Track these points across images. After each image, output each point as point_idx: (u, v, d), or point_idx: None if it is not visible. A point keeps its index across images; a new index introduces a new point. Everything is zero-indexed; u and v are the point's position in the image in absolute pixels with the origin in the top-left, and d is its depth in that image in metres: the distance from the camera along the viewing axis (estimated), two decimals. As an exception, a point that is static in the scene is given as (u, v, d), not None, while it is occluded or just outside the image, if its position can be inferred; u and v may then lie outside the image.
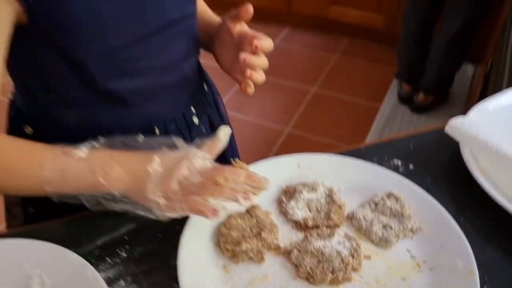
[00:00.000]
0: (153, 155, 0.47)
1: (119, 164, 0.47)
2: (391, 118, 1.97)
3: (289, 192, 0.58)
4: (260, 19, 2.57)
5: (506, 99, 0.67)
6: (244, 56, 0.54)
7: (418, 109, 1.99)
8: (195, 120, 0.66)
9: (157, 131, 0.61)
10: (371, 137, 1.86)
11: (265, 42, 0.54)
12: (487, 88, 1.11)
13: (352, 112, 2.01)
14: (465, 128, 0.59)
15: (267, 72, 0.57)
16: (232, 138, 0.73)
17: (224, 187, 0.46)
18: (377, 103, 2.05)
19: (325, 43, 2.39)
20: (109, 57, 0.54)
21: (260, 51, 0.54)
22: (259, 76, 0.56)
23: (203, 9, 0.69)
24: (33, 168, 0.46)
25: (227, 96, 1.95)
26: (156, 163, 0.47)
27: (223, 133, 0.52)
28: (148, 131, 0.60)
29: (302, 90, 2.10)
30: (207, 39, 0.64)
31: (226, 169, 0.49)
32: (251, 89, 0.57)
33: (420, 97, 1.96)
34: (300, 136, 1.88)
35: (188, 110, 0.65)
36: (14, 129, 0.61)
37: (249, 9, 0.54)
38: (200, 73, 0.69)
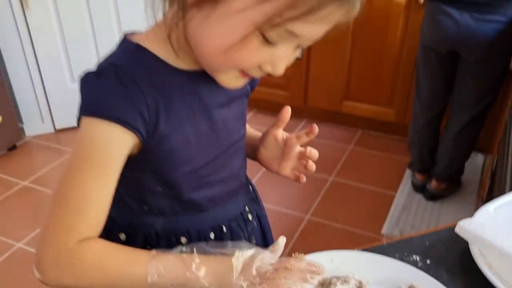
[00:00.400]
0: (235, 251, 0.60)
1: (207, 258, 0.59)
2: (406, 206, 2.06)
3: (325, 284, 0.68)
4: (279, 113, 2.80)
5: (505, 202, 0.79)
6: (310, 149, 0.71)
7: (432, 196, 2.08)
8: (249, 216, 0.79)
9: (224, 229, 0.74)
10: (388, 225, 1.94)
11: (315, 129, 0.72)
12: (494, 186, 1.22)
13: (368, 200, 2.11)
14: (472, 229, 0.70)
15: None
16: (266, 222, 0.87)
17: (294, 270, 0.60)
18: (392, 191, 2.15)
19: (340, 134, 2.57)
20: (192, 175, 0.67)
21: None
22: (314, 166, 0.73)
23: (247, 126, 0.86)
24: (139, 267, 0.57)
25: (251, 185, 2.08)
26: (238, 257, 0.59)
27: (282, 241, 0.65)
28: (217, 229, 0.73)
29: (320, 179, 2.23)
30: (251, 150, 0.80)
31: (291, 259, 0.62)
32: (304, 179, 0.75)
33: (433, 184, 2.06)
34: (320, 223, 1.97)
35: (244, 209, 0.78)
36: (110, 237, 0.70)
37: (289, 109, 0.72)
38: (246, 177, 0.83)
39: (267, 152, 0.77)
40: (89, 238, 0.57)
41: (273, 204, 2.06)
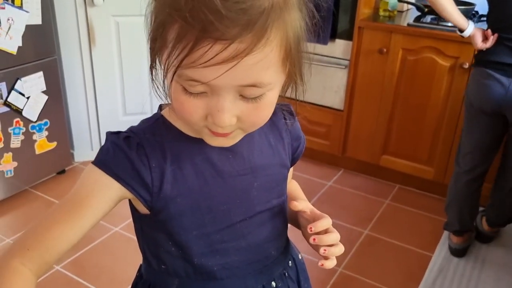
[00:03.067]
0: None
1: None
2: (443, 269, 2.00)
3: None
4: (317, 160, 2.85)
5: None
6: (314, 237, 0.63)
7: (482, 237, 2.12)
8: None
9: None
10: (423, 287, 1.89)
11: (321, 223, 0.63)
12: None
13: (402, 258, 2.07)
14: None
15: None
16: None
17: None
18: (427, 251, 2.11)
19: (377, 188, 2.56)
20: (204, 240, 0.67)
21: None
22: (335, 250, 0.65)
23: (295, 192, 0.82)
24: None
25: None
26: None
27: None
28: None
29: (355, 231, 2.22)
30: (295, 220, 0.73)
31: None
32: (329, 263, 0.66)
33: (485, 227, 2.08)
34: (352, 277, 1.95)
35: (269, 284, 0.73)
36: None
37: (296, 204, 0.66)
38: (286, 251, 0.77)
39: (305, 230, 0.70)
40: (29, 267, 0.57)
41: (306, 253, 2.05)
